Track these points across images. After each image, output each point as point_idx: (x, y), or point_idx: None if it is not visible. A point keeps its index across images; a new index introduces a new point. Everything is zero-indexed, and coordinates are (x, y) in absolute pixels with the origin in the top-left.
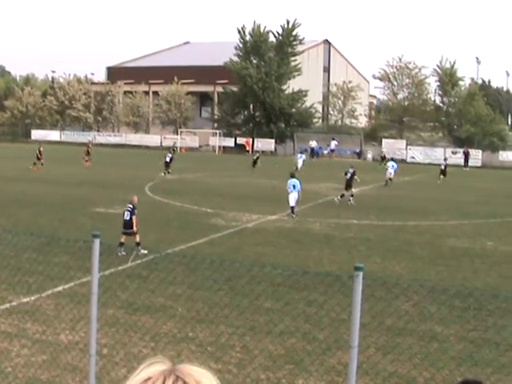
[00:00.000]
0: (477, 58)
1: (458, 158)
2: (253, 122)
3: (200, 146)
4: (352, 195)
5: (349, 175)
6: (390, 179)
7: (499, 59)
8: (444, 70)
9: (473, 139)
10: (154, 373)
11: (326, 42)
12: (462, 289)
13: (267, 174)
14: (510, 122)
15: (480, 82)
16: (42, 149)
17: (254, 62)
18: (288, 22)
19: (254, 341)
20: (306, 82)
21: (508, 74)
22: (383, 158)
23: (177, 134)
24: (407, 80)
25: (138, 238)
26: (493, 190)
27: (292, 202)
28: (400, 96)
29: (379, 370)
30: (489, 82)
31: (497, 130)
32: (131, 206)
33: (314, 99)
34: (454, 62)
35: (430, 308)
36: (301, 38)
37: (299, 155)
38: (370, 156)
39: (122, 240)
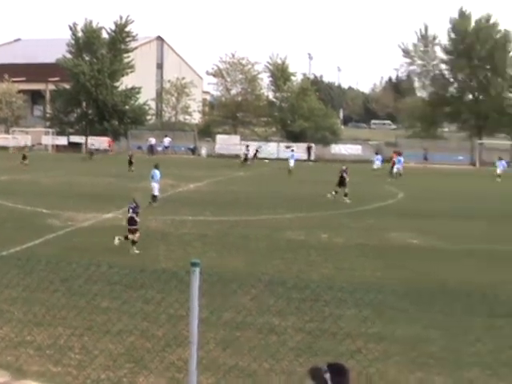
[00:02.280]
0: (309, 54)
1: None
2: (86, 119)
3: (33, 145)
4: (346, 194)
5: (340, 174)
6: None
7: (331, 55)
8: (276, 66)
9: (306, 133)
10: None
11: (159, 38)
12: (299, 281)
13: (103, 171)
14: (341, 116)
15: (312, 77)
16: None
17: (87, 58)
18: (121, 18)
19: (93, 341)
20: (140, 79)
21: (339, 70)
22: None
23: (8, 133)
24: (240, 76)
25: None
26: (325, 182)
27: (155, 191)
28: (233, 92)
29: (220, 364)
30: (321, 77)
31: (329, 124)
32: (134, 204)
33: (147, 96)
34: (286, 58)
35: (267, 301)
36: (134, 34)
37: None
38: (204, 152)
39: (134, 238)
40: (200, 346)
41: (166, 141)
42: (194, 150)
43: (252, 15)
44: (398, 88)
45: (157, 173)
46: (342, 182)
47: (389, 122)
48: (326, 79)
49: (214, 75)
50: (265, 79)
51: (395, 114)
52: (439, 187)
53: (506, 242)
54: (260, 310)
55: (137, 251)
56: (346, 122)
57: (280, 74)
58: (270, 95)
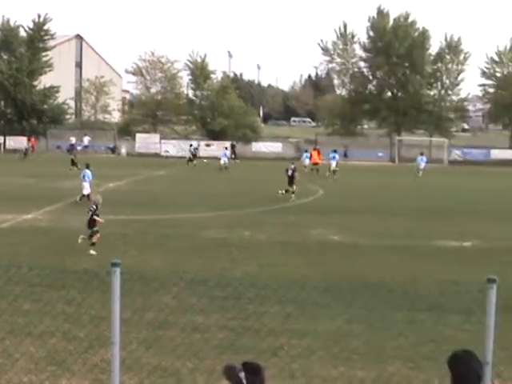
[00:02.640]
0: (228, 52)
1: (213, 151)
2: (4, 119)
3: None
4: (293, 192)
5: (290, 172)
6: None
7: (250, 53)
8: (195, 64)
9: (226, 131)
10: None
11: (78, 36)
12: (221, 279)
13: (23, 172)
14: (261, 114)
15: (232, 75)
16: None
17: (5, 57)
18: (39, 17)
19: (14, 344)
20: (58, 78)
21: (259, 68)
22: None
23: None
24: (160, 74)
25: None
26: (247, 180)
27: (84, 190)
28: (153, 90)
29: (143, 364)
30: (241, 75)
31: (249, 121)
32: (94, 207)
33: (66, 95)
34: (205, 56)
35: (189, 299)
36: (52, 32)
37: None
38: (123, 151)
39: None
40: (123, 347)
41: (86, 140)
42: (113, 149)
43: (171, 13)
44: (317, 86)
45: (88, 173)
46: (291, 180)
47: (309, 119)
48: (245, 77)
49: (134, 73)
50: (184, 77)
51: (315, 112)
52: (359, 184)
53: (426, 238)
54: (182, 309)
55: (94, 252)
56: (266, 119)
57: (200, 72)
58: (190, 93)
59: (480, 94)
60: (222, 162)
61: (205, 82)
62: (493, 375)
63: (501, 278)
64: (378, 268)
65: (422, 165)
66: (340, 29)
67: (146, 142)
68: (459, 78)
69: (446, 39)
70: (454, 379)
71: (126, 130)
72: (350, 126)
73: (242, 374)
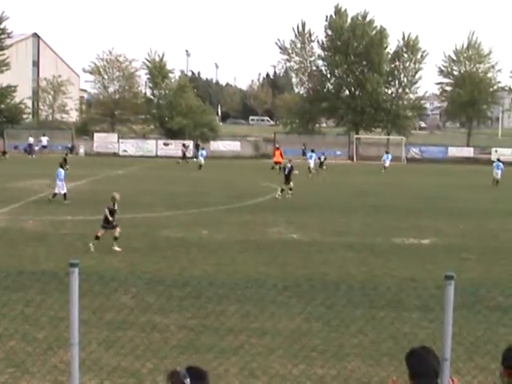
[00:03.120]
0: (187, 51)
1: (170, 150)
2: None
3: None
4: (291, 189)
5: (287, 170)
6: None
7: (208, 52)
8: (153, 63)
9: (184, 130)
10: None
11: (35, 35)
12: (180, 278)
13: None
14: (219, 113)
15: (190, 74)
16: None
17: None
18: None
19: None
20: (15, 77)
21: (217, 66)
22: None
23: None
24: (118, 73)
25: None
26: (206, 180)
27: (56, 189)
28: (111, 89)
29: (103, 365)
30: (199, 73)
31: (207, 120)
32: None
33: (23, 94)
34: (163, 55)
35: (148, 299)
36: (9, 31)
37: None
38: (82, 151)
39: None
40: (82, 348)
41: (44, 140)
42: (71, 149)
43: (129, 12)
44: (275, 84)
45: (61, 171)
46: (288, 178)
47: (267, 118)
48: (203, 76)
49: (91, 73)
50: (142, 76)
51: (273, 111)
52: (317, 182)
53: (384, 235)
54: (141, 309)
55: (118, 249)
56: (224, 118)
57: (158, 71)
58: (148, 92)
59: (437, 92)
60: (202, 161)
61: (163, 81)
62: (451, 371)
63: (459, 274)
64: (337, 266)
65: (387, 162)
66: (298, 27)
67: (104, 141)
68: (417, 77)
69: (403, 38)
70: (411, 376)
71: (84, 130)
72: (309, 124)
73: (188, 381)
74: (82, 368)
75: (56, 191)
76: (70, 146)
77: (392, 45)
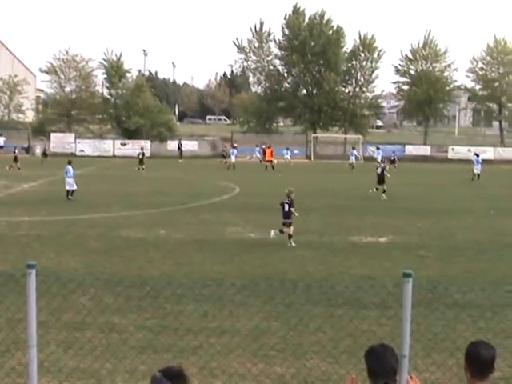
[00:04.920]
0: (144, 51)
1: (128, 150)
2: None
3: None
4: (384, 191)
5: (379, 170)
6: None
7: (165, 51)
8: (110, 63)
9: (142, 130)
10: None
11: None
12: (138, 278)
13: None
14: (177, 113)
15: (147, 73)
16: None
17: None
18: None
19: None
20: None
21: (174, 66)
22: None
23: None
24: (74, 73)
25: (290, 230)
26: (163, 179)
27: (67, 186)
28: (67, 89)
29: (61, 366)
30: (156, 73)
31: (165, 120)
32: (289, 199)
33: None
34: (121, 55)
35: (107, 300)
36: None
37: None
38: (38, 151)
39: (284, 230)
40: (40, 349)
41: (1, 140)
42: (28, 149)
43: (86, 11)
44: (232, 84)
45: (70, 169)
46: (381, 179)
47: (224, 117)
48: (161, 75)
49: (48, 72)
50: (99, 76)
51: (230, 110)
52: (275, 181)
53: (342, 234)
54: (99, 310)
55: (294, 244)
56: (181, 118)
57: (115, 70)
58: (105, 92)
59: (394, 91)
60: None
61: (120, 81)
62: (410, 368)
63: (416, 272)
64: (295, 264)
65: (352, 159)
66: (256, 27)
67: (61, 141)
68: (373, 76)
69: (360, 37)
70: (370, 373)
71: (40, 130)
72: (266, 123)
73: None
74: (41, 370)
75: (67, 188)
76: (26, 146)
77: (349, 44)
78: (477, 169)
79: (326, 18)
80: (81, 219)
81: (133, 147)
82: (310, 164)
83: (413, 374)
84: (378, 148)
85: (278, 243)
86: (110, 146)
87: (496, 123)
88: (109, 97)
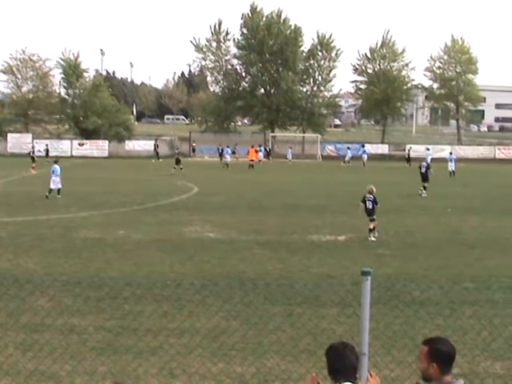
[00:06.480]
0: (101, 50)
1: (85, 150)
2: None
3: None
4: (425, 188)
5: (423, 169)
6: None
7: (123, 51)
8: (68, 62)
9: (100, 130)
10: None
11: None
12: (96, 279)
13: None
14: (135, 112)
15: (105, 73)
16: None
17: None
18: None
19: None
20: None
21: (132, 65)
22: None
23: None
24: (31, 72)
25: (372, 225)
26: (120, 180)
27: (52, 185)
28: (24, 89)
29: (20, 368)
30: (113, 73)
31: (122, 120)
32: (372, 196)
33: None
34: (78, 54)
35: (65, 301)
36: None
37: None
38: None
39: (371, 226)
40: None
41: None
42: None
43: (43, 10)
44: (190, 83)
45: (57, 168)
46: (425, 177)
47: (182, 117)
48: (118, 75)
49: (4, 72)
50: (57, 76)
51: (188, 109)
52: (233, 180)
53: (300, 233)
54: (58, 311)
55: (374, 239)
56: (139, 117)
57: (72, 70)
58: (63, 92)
59: (352, 90)
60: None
61: (77, 81)
62: (369, 366)
63: (375, 270)
64: (254, 263)
65: (290, 156)
66: (215, 26)
67: (19, 141)
68: (331, 75)
69: (318, 36)
70: (330, 371)
71: None
72: (224, 122)
73: None
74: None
75: (52, 186)
76: None
77: (307, 43)
78: (451, 166)
79: (283, 17)
80: (39, 220)
81: (90, 147)
82: (268, 163)
83: (372, 372)
84: (428, 149)
85: (237, 242)
86: (68, 147)
87: (453, 122)
88: (66, 97)
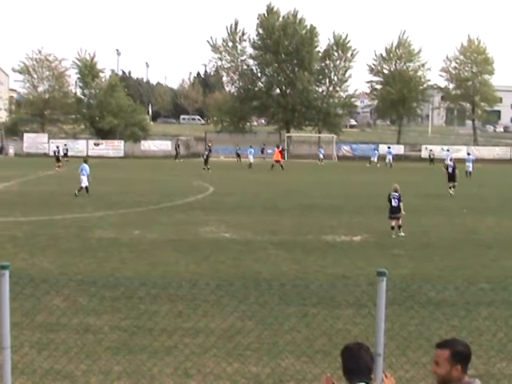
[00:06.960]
0: (117, 50)
1: (101, 150)
2: None
3: None
4: (454, 186)
5: (450, 169)
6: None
7: (139, 51)
8: (84, 62)
9: (115, 130)
10: None
11: None
12: (112, 279)
13: None
14: (150, 112)
15: (121, 73)
16: None
17: None
18: None
19: None
20: None
21: (148, 65)
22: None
23: None
24: (47, 72)
25: (400, 222)
26: (136, 180)
27: (82, 183)
28: (40, 89)
29: (35, 368)
30: (129, 73)
31: (138, 120)
32: (397, 194)
33: None
34: (94, 54)
35: (81, 300)
36: None
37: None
38: (11, 151)
39: (393, 224)
40: (14, 351)
41: None
42: (1, 150)
43: (59, 11)
44: (206, 83)
45: (86, 167)
46: (453, 177)
47: (198, 117)
48: (134, 75)
49: (21, 72)
50: (73, 76)
51: (204, 109)
52: (249, 181)
53: (316, 233)
54: (74, 310)
55: (402, 234)
56: (155, 117)
57: (88, 70)
58: (78, 92)
59: (368, 90)
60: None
61: (93, 81)
62: (384, 366)
63: (390, 271)
64: (270, 264)
65: (321, 155)
66: (231, 26)
67: (35, 141)
68: (347, 75)
69: (333, 36)
70: (345, 371)
71: (13, 130)
72: (240, 123)
73: None
74: (15, 371)
75: (82, 185)
76: None
77: (322, 43)
78: (469, 167)
79: (299, 17)
80: (54, 220)
81: (106, 147)
82: (284, 163)
83: (387, 373)
84: (447, 150)
85: (252, 243)
86: (84, 146)
87: (469, 122)
88: (82, 97)
